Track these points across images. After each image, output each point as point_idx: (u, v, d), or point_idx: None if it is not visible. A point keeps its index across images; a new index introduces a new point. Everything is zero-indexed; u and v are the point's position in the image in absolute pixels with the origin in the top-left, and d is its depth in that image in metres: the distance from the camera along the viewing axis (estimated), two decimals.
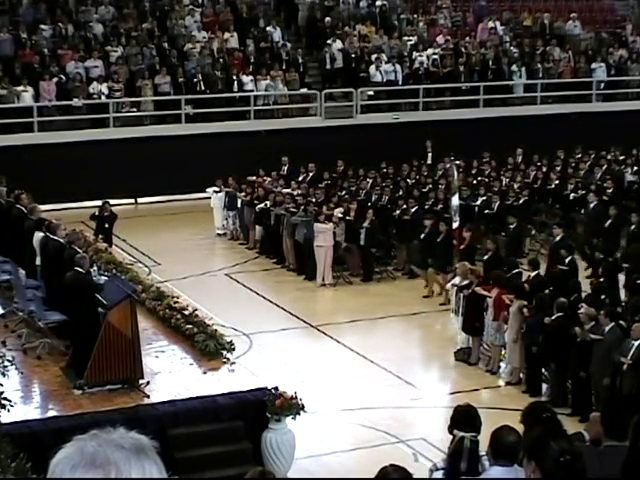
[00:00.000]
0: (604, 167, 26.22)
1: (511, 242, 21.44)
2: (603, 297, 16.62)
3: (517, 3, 35.79)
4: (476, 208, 23.08)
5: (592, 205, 22.76)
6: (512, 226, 21.49)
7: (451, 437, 7.45)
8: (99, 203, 22.61)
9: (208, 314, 17.05)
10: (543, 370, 15.95)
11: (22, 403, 12.77)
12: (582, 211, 23.34)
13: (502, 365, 16.93)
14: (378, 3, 33.27)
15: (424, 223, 21.01)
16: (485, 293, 17.07)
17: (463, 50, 31.90)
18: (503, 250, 20.72)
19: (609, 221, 21.67)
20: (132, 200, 28.08)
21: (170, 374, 13.81)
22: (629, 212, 21.85)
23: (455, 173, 21.67)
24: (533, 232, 23.55)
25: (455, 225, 20.10)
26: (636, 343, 14.16)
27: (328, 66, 30.69)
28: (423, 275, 21.08)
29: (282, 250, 22.80)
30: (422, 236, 20.89)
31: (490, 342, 17.02)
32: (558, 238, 19.94)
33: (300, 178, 25.54)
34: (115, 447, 2.23)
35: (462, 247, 19.75)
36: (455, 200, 20.50)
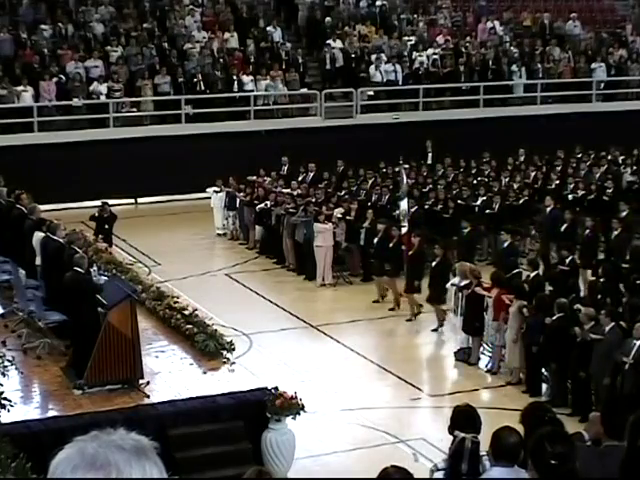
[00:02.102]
0: (604, 167, 26.21)
1: (465, 247, 20.99)
2: (600, 297, 16.61)
3: (517, 3, 35.79)
4: (476, 208, 23.08)
5: (548, 210, 22.21)
6: (465, 230, 20.95)
7: (451, 437, 7.45)
8: (99, 203, 22.63)
9: (208, 314, 17.05)
10: (543, 370, 15.95)
11: (22, 403, 12.76)
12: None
13: (502, 365, 16.92)
14: (378, 3, 33.28)
15: (377, 227, 20.62)
16: (485, 293, 17.07)
17: (463, 50, 31.91)
18: (456, 254, 20.61)
19: (565, 225, 21.34)
20: (132, 200, 28.08)
21: (170, 374, 13.81)
22: (586, 216, 21.50)
23: (404, 177, 21.38)
24: (533, 232, 23.52)
25: (404, 230, 19.78)
26: (637, 343, 14.15)
27: (328, 66, 30.69)
28: (376, 280, 20.82)
29: (282, 250, 22.80)
30: (375, 241, 20.55)
31: (490, 342, 17.03)
32: (506, 245, 19.78)
33: (300, 178, 25.54)
34: (116, 448, 2.23)
35: (411, 253, 19.34)
36: (404, 204, 20.26)
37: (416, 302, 19.34)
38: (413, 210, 22.39)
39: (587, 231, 20.83)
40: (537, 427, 6.34)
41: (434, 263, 18.90)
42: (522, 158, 27.12)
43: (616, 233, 20.45)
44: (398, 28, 32.68)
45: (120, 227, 22.86)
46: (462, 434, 6.88)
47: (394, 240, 19.94)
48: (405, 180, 21.35)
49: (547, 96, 32.07)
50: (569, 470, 5.48)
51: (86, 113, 27.74)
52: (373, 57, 30.78)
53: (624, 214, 21.87)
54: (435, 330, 18.81)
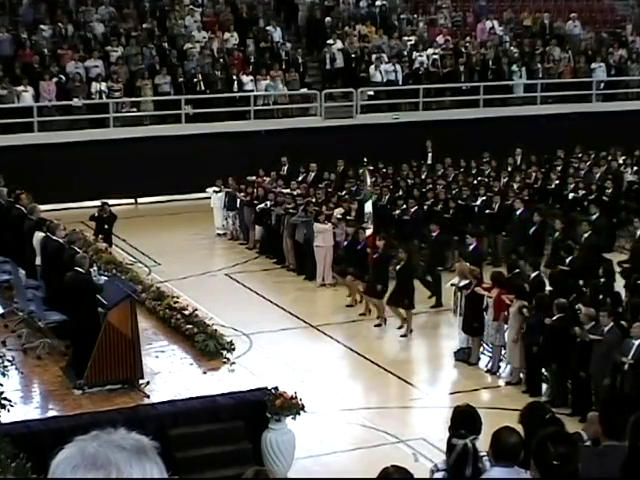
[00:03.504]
0: (604, 167, 26.21)
1: (433, 252, 20.74)
2: (602, 297, 16.60)
3: (517, 3, 35.78)
4: (476, 208, 23.08)
5: (518, 212, 22.00)
6: (434, 234, 20.59)
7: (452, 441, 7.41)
8: (99, 203, 22.63)
9: (208, 314, 17.05)
10: (543, 370, 15.95)
11: (22, 403, 12.77)
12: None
13: (502, 365, 16.93)
14: (378, 3, 33.28)
15: (347, 230, 20.49)
16: (485, 293, 17.07)
17: (463, 50, 31.90)
18: (424, 259, 20.50)
19: (533, 228, 21.19)
20: (132, 200, 28.08)
21: (170, 374, 13.82)
22: (554, 219, 21.39)
23: (368, 179, 21.18)
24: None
25: (368, 232, 19.62)
26: (637, 343, 14.17)
27: (328, 66, 30.69)
28: (342, 282, 20.66)
29: (282, 250, 22.80)
30: (345, 244, 20.46)
31: (490, 342, 17.03)
32: (472, 247, 19.39)
33: (300, 178, 25.54)
34: (116, 448, 2.24)
35: (375, 255, 19.13)
36: (368, 206, 20.14)
37: (379, 306, 19.11)
38: (413, 210, 22.46)
39: (556, 234, 20.68)
40: (537, 427, 6.35)
41: (398, 267, 18.63)
42: (518, 158, 27.10)
43: (586, 235, 20.29)
44: (398, 28, 32.67)
45: (120, 227, 22.86)
46: (461, 441, 6.87)
47: (362, 243, 19.73)
48: (369, 182, 21.06)
49: (547, 96, 32.07)
50: (571, 471, 5.48)
51: (86, 113, 27.74)
52: (373, 57, 30.77)
53: (594, 217, 21.65)
54: (404, 336, 18.47)
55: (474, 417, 7.09)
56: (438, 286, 20.01)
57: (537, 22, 34.64)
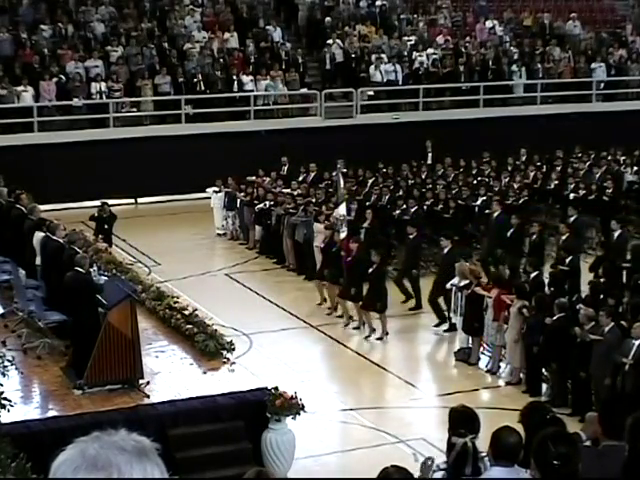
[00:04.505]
0: (604, 167, 26.21)
1: (408, 254, 20.41)
2: (602, 297, 16.60)
3: (517, 3, 35.79)
4: (476, 208, 23.09)
5: (495, 215, 21.76)
6: (411, 236, 20.18)
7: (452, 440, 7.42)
8: (99, 203, 22.62)
9: (208, 314, 17.06)
10: (543, 370, 15.95)
11: (22, 403, 12.77)
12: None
13: (502, 365, 16.94)
14: (378, 3, 33.28)
15: (325, 233, 20.21)
16: (485, 293, 17.08)
17: (463, 50, 31.91)
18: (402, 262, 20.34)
19: (511, 230, 21.00)
20: (132, 200, 28.09)
21: (170, 374, 13.82)
22: (532, 221, 21.21)
23: (341, 182, 21.02)
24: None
25: (342, 236, 19.47)
26: (637, 343, 14.17)
27: (328, 66, 30.69)
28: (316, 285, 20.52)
29: (282, 250, 22.80)
30: (321, 246, 20.25)
31: (490, 342, 17.03)
32: (446, 250, 19.15)
33: (300, 178, 25.53)
34: (117, 449, 2.24)
35: (349, 259, 18.94)
36: (341, 209, 20.04)
37: (347, 309, 19.05)
38: (413, 210, 22.46)
39: (534, 236, 20.64)
40: (537, 427, 6.35)
41: (370, 270, 18.34)
42: (524, 158, 27.09)
43: (564, 238, 20.21)
44: (398, 28, 32.67)
45: (120, 227, 22.86)
46: (461, 440, 6.87)
47: (337, 245, 19.52)
48: (342, 184, 20.90)
49: (547, 96, 32.07)
50: (572, 471, 5.48)
51: (86, 113, 27.74)
52: (373, 57, 30.77)
53: (572, 219, 21.55)
54: (380, 339, 18.33)
55: (472, 416, 7.09)
56: (417, 288, 19.83)
57: (537, 22, 34.66)
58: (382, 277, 18.69)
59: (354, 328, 18.96)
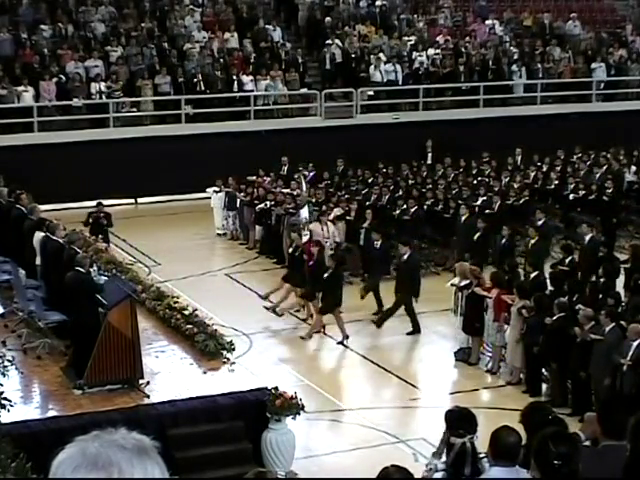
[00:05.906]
0: (604, 167, 26.21)
1: (379, 259, 20.11)
2: (601, 297, 16.61)
3: (517, 3, 35.80)
4: (476, 208, 23.08)
5: (463, 218, 21.68)
6: (378, 243, 19.81)
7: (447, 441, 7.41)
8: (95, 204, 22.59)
9: (208, 314, 17.06)
10: (543, 370, 15.95)
11: (22, 403, 12.78)
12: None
13: (502, 365, 16.93)
14: (378, 3, 33.28)
15: (291, 236, 20.12)
16: (485, 293, 17.07)
17: (463, 50, 31.91)
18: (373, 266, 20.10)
19: (478, 234, 20.97)
20: (132, 200, 28.09)
21: (170, 374, 13.82)
22: (500, 225, 20.95)
23: (304, 184, 20.81)
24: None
25: (304, 239, 19.43)
26: (635, 343, 14.17)
27: (328, 66, 30.69)
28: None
29: (282, 250, 22.79)
30: (290, 250, 20.08)
31: (490, 342, 17.02)
32: (405, 257, 18.78)
33: (296, 176, 25.50)
34: (117, 448, 2.24)
35: (311, 262, 18.78)
36: (304, 212, 19.82)
37: (310, 309, 18.96)
38: (413, 210, 22.47)
39: (503, 240, 20.57)
40: (538, 427, 6.34)
41: (325, 274, 18.11)
42: (519, 158, 27.09)
43: (532, 242, 20.10)
44: (398, 28, 32.67)
45: (120, 227, 22.86)
46: (459, 440, 6.87)
47: (299, 249, 19.41)
48: (304, 187, 20.72)
49: (547, 96, 32.07)
50: (572, 471, 5.49)
51: (86, 113, 27.74)
52: (373, 57, 30.78)
53: (540, 222, 21.38)
54: (340, 342, 18.10)
55: (469, 417, 7.10)
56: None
57: (537, 22, 34.65)
58: (337, 281, 18.34)
59: (304, 319, 18.89)
